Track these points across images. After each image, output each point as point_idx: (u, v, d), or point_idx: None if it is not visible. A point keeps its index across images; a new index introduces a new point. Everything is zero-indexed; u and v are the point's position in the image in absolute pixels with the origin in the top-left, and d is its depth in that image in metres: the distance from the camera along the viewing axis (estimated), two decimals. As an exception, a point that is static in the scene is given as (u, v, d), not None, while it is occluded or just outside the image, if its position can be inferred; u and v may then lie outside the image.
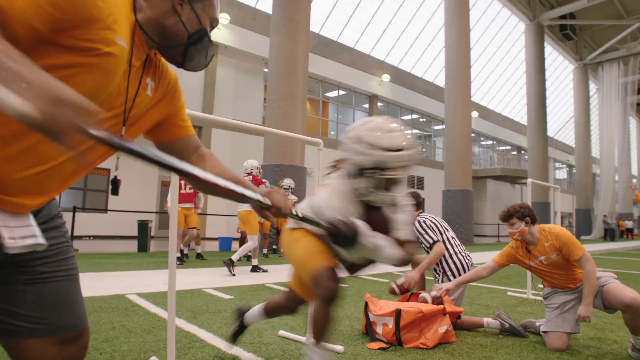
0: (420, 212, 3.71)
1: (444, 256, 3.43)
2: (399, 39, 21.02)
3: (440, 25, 20.16)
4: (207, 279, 5.52)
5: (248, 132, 15.13)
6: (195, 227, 7.46)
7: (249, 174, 6.86)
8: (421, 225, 3.50)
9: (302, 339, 2.78)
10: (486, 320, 3.18)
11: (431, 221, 3.52)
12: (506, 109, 30.48)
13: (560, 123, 36.11)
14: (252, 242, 6.30)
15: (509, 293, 5.02)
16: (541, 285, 3.19)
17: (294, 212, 1.22)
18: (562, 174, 38.63)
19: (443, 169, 17.71)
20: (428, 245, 3.47)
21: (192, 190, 7.38)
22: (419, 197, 3.79)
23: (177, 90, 1.22)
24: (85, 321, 1.06)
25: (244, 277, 5.82)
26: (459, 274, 3.38)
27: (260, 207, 1.15)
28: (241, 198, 1.08)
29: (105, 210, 12.48)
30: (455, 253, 3.45)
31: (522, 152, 32.21)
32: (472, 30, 19.37)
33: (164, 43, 1.06)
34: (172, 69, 1.21)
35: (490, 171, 26.61)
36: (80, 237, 11.87)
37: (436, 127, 25.40)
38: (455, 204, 16.25)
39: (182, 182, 7.29)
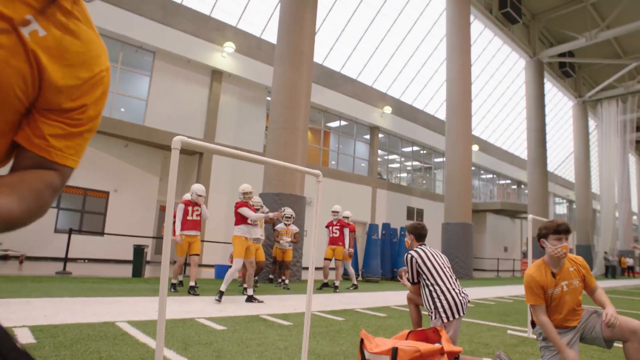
0: (421, 245, 3.67)
1: (437, 293, 3.36)
2: (401, 72, 21.34)
3: (442, 60, 20.50)
4: (201, 307, 5.40)
5: (248, 160, 15.18)
6: (197, 254, 7.28)
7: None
8: (407, 261, 3.57)
9: (295, 375, 2.68)
10: (486, 360, 3.08)
11: (421, 258, 3.50)
12: (506, 143, 30.69)
13: (560, 158, 36.30)
14: (235, 265, 6.21)
15: (509, 331, 4.90)
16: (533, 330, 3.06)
17: None
18: (562, 209, 38.56)
19: (443, 202, 17.68)
20: (411, 282, 3.60)
21: (198, 218, 7.22)
22: (423, 229, 3.75)
23: (94, 86, 0.83)
24: None
25: (238, 307, 5.70)
26: (451, 311, 3.29)
27: None
28: None
29: (102, 234, 12.38)
30: (449, 290, 3.36)
31: (522, 186, 32.22)
32: (473, 65, 19.69)
33: None
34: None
35: (490, 205, 26.55)
36: (75, 260, 11.74)
37: (437, 160, 25.50)
38: (454, 237, 16.13)
39: (190, 208, 7.14)
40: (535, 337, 4.48)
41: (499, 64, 25.63)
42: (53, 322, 3.88)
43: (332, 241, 9.28)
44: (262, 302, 6.30)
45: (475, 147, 26.16)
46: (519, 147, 31.48)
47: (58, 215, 12.22)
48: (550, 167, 32.94)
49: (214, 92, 15.09)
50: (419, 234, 3.73)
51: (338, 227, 9.30)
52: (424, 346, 2.68)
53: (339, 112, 19.29)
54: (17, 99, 0.73)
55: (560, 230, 2.80)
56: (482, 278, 17.12)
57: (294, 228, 9.06)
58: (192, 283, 6.92)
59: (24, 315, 4.15)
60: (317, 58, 18.09)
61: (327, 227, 9.55)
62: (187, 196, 7.42)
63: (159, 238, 12.85)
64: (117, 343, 3.28)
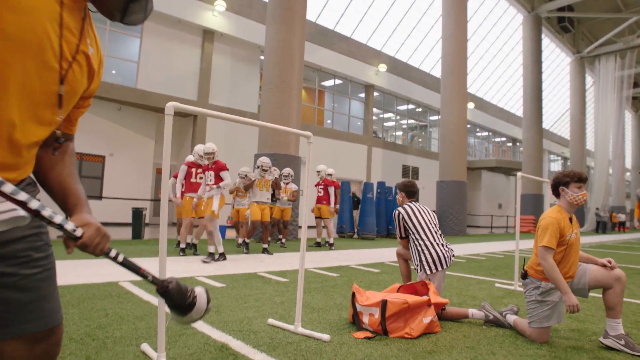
0: (411, 201, 3.80)
1: (422, 247, 3.53)
2: (396, 29, 20.95)
3: (438, 16, 20.10)
4: (201, 267, 5.58)
5: (241, 122, 15.17)
6: (203, 217, 7.19)
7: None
8: (395, 217, 3.75)
9: (291, 327, 2.84)
10: (471, 311, 3.26)
11: (407, 214, 3.67)
12: (502, 100, 30.55)
13: (556, 115, 36.24)
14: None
15: (496, 284, 5.12)
16: (528, 280, 3.13)
17: (111, 255, 1.02)
18: (557, 166, 38.84)
19: (438, 160, 17.81)
20: (399, 237, 3.78)
21: (202, 180, 6.88)
22: (414, 187, 3.89)
23: (100, 73, 1.07)
24: (57, 318, 1.05)
25: (236, 265, 5.89)
26: (435, 265, 3.47)
27: (67, 237, 0.95)
28: (43, 219, 0.87)
29: (100, 197, 12.49)
30: (432, 245, 3.53)
31: (518, 143, 32.34)
32: (469, 21, 19.33)
33: None
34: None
35: (485, 162, 26.74)
36: (74, 224, 11.88)
37: (432, 118, 25.44)
38: (449, 194, 16.35)
39: (193, 170, 6.96)
40: (522, 290, 4.69)
41: (497, 19, 25.13)
42: (59, 283, 4.03)
43: (318, 200, 9.67)
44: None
45: (470, 105, 26.03)
46: (515, 104, 31.36)
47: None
48: (546, 125, 32.92)
49: (206, 52, 14.84)
50: (410, 192, 3.87)
51: (322, 186, 9.65)
52: (411, 298, 2.84)
53: (334, 71, 19.07)
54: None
55: (582, 178, 2.95)
56: (476, 234, 17.50)
57: (293, 186, 9.13)
58: (195, 241, 7.12)
59: (29, 277, 4.29)
60: (311, 16, 17.69)
61: (315, 186, 9.83)
62: (191, 157, 7.21)
63: (156, 200, 12.98)
64: (121, 301, 3.44)
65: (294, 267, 5.96)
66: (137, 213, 9.17)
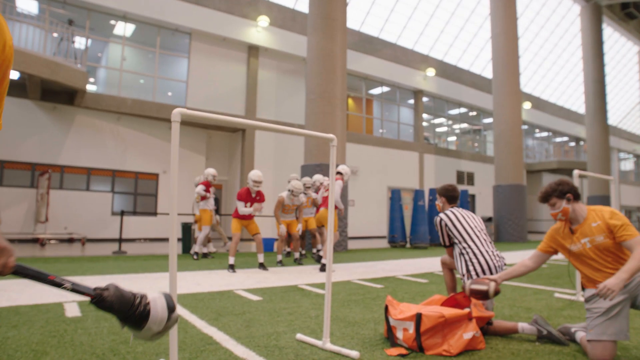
0: (453, 207, 3.56)
1: (469, 255, 3.23)
2: (443, 31, 20.40)
3: (486, 15, 19.39)
4: (242, 279, 5.52)
5: (288, 132, 15.27)
6: (258, 233, 6.89)
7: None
8: (437, 224, 3.50)
9: (319, 343, 2.66)
10: (521, 325, 2.92)
11: (451, 221, 3.41)
12: (562, 98, 28.86)
13: (625, 110, 33.76)
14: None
15: (555, 294, 4.66)
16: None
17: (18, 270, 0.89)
18: (628, 164, 36.04)
19: (494, 164, 17.02)
20: (444, 245, 3.51)
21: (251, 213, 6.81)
22: (455, 191, 3.61)
23: (9, 64, 0.95)
24: None
25: (279, 278, 5.78)
26: (484, 275, 3.15)
27: None
28: None
29: (155, 214, 12.92)
30: (481, 252, 3.23)
31: (581, 143, 30.37)
32: (520, 17, 18.48)
33: None
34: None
35: (546, 164, 25.28)
36: (133, 240, 12.36)
37: (486, 121, 24.44)
38: (506, 199, 15.55)
39: (248, 205, 6.72)
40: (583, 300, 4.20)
41: (550, 12, 23.86)
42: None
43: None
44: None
45: (526, 105, 24.82)
46: (577, 101, 29.54)
47: (114, 199, 12.84)
48: (613, 121, 30.81)
49: (251, 68, 15.10)
50: (451, 196, 3.60)
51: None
52: (449, 311, 2.58)
53: (381, 78, 18.82)
54: None
55: (539, 199, 2.84)
56: (538, 241, 16.47)
57: (314, 195, 8.52)
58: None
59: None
60: (354, 24, 17.61)
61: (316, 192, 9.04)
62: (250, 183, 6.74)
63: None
64: (153, 316, 3.40)
65: (336, 278, 5.77)
66: (186, 228, 9.37)
